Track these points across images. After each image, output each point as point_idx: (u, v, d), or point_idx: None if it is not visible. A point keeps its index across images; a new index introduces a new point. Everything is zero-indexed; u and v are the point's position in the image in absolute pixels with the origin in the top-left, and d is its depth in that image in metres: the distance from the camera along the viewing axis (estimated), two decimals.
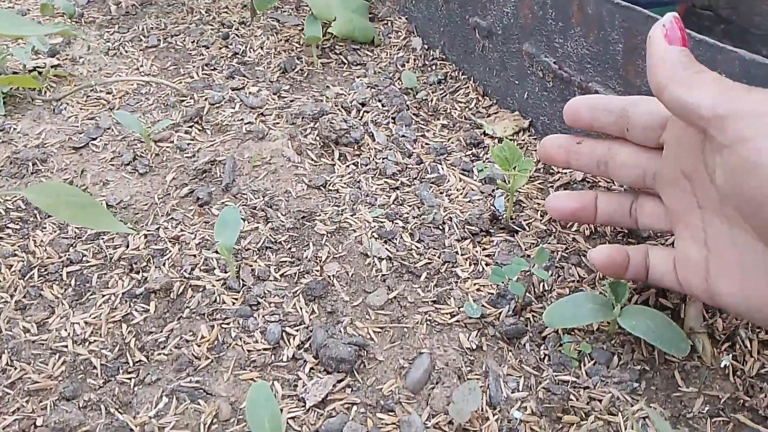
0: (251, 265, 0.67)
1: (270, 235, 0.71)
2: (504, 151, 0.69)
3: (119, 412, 0.54)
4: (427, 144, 0.85)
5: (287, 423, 0.53)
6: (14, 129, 0.86)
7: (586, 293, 0.61)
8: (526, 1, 0.80)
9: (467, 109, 0.90)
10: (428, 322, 0.62)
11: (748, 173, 0.44)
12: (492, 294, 0.64)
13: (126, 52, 1.03)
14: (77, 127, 0.87)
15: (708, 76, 0.49)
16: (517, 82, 0.86)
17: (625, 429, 0.52)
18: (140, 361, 0.58)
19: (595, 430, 0.52)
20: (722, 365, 0.56)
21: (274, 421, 0.48)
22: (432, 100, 0.92)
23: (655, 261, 0.58)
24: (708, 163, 0.49)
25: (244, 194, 0.76)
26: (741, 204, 0.46)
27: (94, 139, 0.85)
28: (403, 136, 0.86)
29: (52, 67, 0.98)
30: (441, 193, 0.77)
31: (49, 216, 0.73)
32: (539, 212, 0.73)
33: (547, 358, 0.58)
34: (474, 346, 0.59)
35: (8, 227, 0.72)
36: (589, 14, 0.72)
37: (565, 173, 0.78)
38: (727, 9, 1.22)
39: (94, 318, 0.62)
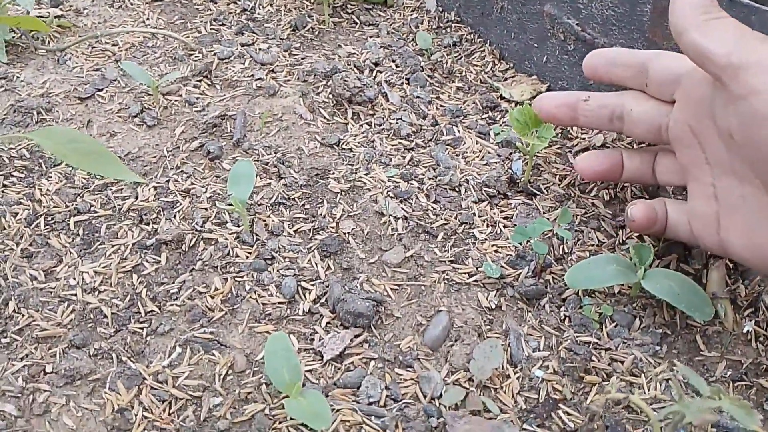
0: (264, 220, 0.65)
1: (283, 191, 0.69)
2: (524, 115, 0.68)
3: (131, 361, 0.53)
4: (442, 106, 0.83)
5: (305, 375, 0.51)
6: (17, 77, 0.83)
7: (609, 255, 0.60)
8: None
9: (483, 72, 0.89)
10: (446, 281, 0.61)
11: (759, 125, 0.44)
12: (511, 255, 0.63)
13: (131, 4, 1.00)
14: (82, 77, 0.84)
15: (727, 22, 0.49)
16: (536, 45, 0.84)
17: (648, 390, 0.51)
18: (152, 311, 0.57)
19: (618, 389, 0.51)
20: (744, 330, 0.56)
21: (293, 371, 0.47)
22: (447, 63, 0.90)
23: (672, 214, 0.59)
24: (718, 116, 0.50)
25: (255, 150, 0.74)
26: (752, 155, 0.47)
27: (100, 90, 0.82)
28: (418, 97, 0.84)
29: (55, 17, 0.95)
30: (457, 155, 0.75)
31: (55, 165, 0.71)
32: (557, 176, 0.72)
33: (567, 319, 0.58)
34: (493, 306, 0.58)
35: (13, 175, 0.70)
36: None
37: (584, 138, 0.76)
38: None
39: (103, 267, 0.60)
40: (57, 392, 0.51)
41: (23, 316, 0.56)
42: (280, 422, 0.49)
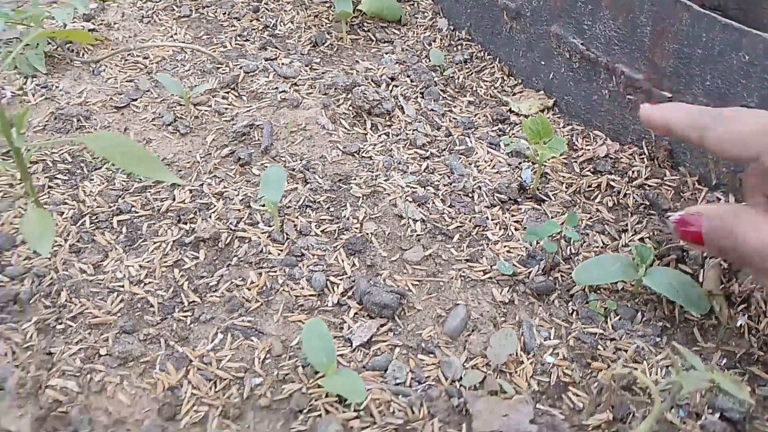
0: (293, 221, 0.71)
1: (309, 195, 0.74)
2: (537, 125, 0.73)
3: (178, 345, 0.57)
4: (454, 118, 0.88)
5: (336, 360, 0.56)
6: (56, 87, 0.89)
7: (613, 255, 0.65)
8: None
9: (493, 87, 0.94)
10: (462, 278, 0.66)
11: None
12: (522, 255, 0.68)
13: (160, 20, 1.06)
14: (117, 88, 0.90)
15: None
16: (543, 63, 0.90)
17: (650, 375, 0.56)
18: (194, 301, 0.62)
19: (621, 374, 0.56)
20: (738, 324, 0.61)
21: (328, 353, 0.52)
22: (458, 78, 0.96)
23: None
24: None
25: (282, 157, 0.79)
26: None
27: (134, 100, 0.88)
28: (432, 110, 0.89)
29: (88, 31, 1.00)
30: (470, 163, 0.81)
31: (96, 169, 0.76)
32: (564, 184, 0.78)
33: (575, 312, 0.63)
34: (507, 300, 0.63)
35: (57, 178, 0.75)
36: None
37: (588, 149, 0.82)
38: (736, 10, 1.27)
39: (147, 262, 0.65)
40: (111, 372, 0.55)
41: (76, 305, 0.61)
42: (316, 399, 0.54)
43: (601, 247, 0.69)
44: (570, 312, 0.63)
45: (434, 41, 1.04)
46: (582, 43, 0.82)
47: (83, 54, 0.96)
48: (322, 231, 0.70)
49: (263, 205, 0.66)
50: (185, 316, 0.60)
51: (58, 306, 0.61)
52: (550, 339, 0.60)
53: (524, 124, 0.73)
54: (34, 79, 0.90)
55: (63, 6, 1.02)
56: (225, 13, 1.09)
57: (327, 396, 0.54)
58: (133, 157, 0.63)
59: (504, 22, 0.95)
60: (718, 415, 0.54)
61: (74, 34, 0.76)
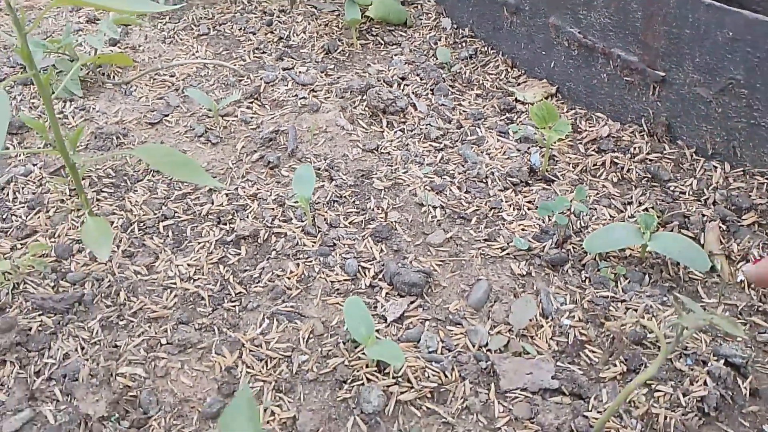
0: (323, 215, 0.77)
1: (335, 191, 0.81)
2: (542, 111, 0.79)
3: (230, 331, 0.64)
4: (464, 111, 0.94)
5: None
6: (93, 108, 0.96)
7: (619, 223, 0.70)
8: None
9: (498, 79, 1.00)
10: (482, 256, 0.72)
11: None
12: (536, 231, 0.74)
13: (181, 39, 1.13)
14: (149, 105, 0.97)
15: None
16: (543, 53, 0.95)
17: (659, 329, 0.62)
18: (240, 292, 0.68)
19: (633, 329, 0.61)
20: (738, 280, 0.66)
21: (368, 326, 0.58)
22: (465, 73, 1.01)
23: None
24: None
25: (307, 158, 0.86)
26: None
27: (166, 115, 0.95)
28: (442, 104, 0.95)
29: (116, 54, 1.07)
30: (481, 152, 0.87)
31: (139, 180, 0.83)
32: (571, 164, 0.83)
33: (587, 280, 0.68)
34: (524, 273, 0.69)
35: (103, 191, 0.82)
36: None
37: (592, 130, 0.87)
38: None
39: (194, 261, 0.72)
40: (173, 359, 0.62)
41: (134, 302, 0.67)
42: (357, 370, 0.60)
43: (609, 219, 0.75)
44: (583, 279, 0.68)
45: (440, 40, 1.10)
46: (579, 32, 0.88)
47: (114, 76, 1.03)
48: (350, 222, 0.76)
49: (296, 202, 0.73)
50: (234, 306, 0.67)
51: (118, 304, 0.67)
52: (566, 304, 0.65)
53: (531, 110, 0.79)
54: (72, 102, 0.97)
55: (92, 33, 1.09)
56: (241, 29, 1.15)
57: (367, 366, 0.60)
58: (179, 164, 0.69)
59: (504, 18, 1.00)
60: (722, 361, 0.59)
61: (116, 58, 0.83)
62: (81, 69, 1.02)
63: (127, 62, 0.79)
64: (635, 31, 0.81)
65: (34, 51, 0.92)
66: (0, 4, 1.22)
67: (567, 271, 0.69)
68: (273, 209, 0.78)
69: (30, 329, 0.64)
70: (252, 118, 0.94)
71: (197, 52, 1.09)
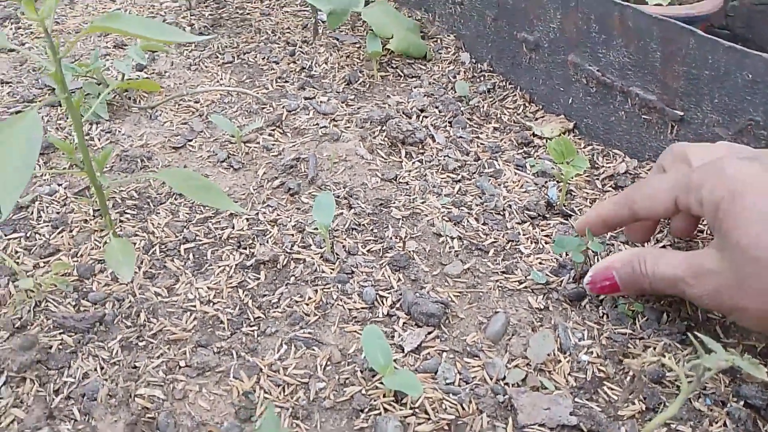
0: (342, 242, 0.78)
1: (354, 218, 0.81)
2: (560, 146, 0.80)
3: (248, 356, 0.64)
4: (482, 144, 0.95)
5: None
6: (119, 131, 0.98)
7: None
8: (571, 17, 0.91)
9: (516, 113, 1.01)
10: (500, 288, 0.72)
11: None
12: (553, 265, 0.74)
13: (206, 67, 1.15)
14: (173, 130, 0.99)
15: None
16: (562, 89, 0.97)
17: (680, 368, 0.62)
18: (259, 317, 0.69)
19: (652, 367, 0.61)
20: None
21: (386, 355, 0.59)
22: (483, 107, 1.03)
23: None
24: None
25: (327, 186, 0.87)
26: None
27: (190, 140, 0.96)
28: (460, 137, 0.97)
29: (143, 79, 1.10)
30: (499, 184, 0.87)
31: (161, 203, 0.85)
32: (588, 200, 0.84)
33: (605, 316, 0.68)
34: (542, 307, 0.69)
35: (126, 213, 0.83)
36: (630, 27, 0.83)
37: (609, 166, 0.88)
38: (743, 28, 1.33)
39: (214, 284, 0.72)
40: (191, 381, 0.62)
41: (154, 324, 0.68)
42: (375, 400, 0.60)
43: None
44: (601, 315, 0.68)
45: (458, 74, 1.11)
46: (598, 70, 0.89)
47: (140, 101, 1.06)
48: (368, 250, 0.77)
49: (316, 229, 0.74)
50: (252, 330, 0.67)
51: (138, 325, 0.68)
52: (584, 339, 0.65)
53: (549, 145, 0.80)
54: (98, 125, 0.99)
55: (119, 58, 1.12)
56: (264, 58, 1.18)
57: (385, 396, 0.60)
58: (201, 189, 0.71)
59: (523, 54, 1.02)
60: (742, 402, 0.59)
61: (144, 84, 0.85)
62: (109, 93, 1.04)
63: (155, 87, 0.81)
64: (654, 70, 0.82)
65: (64, 74, 0.94)
66: (30, 27, 1.26)
67: (585, 306, 0.70)
68: (292, 235, 0.79)
69: (51, 347, 0.65)
70: (273, 145, 0.95)
71: (221, 79, 1.12)
